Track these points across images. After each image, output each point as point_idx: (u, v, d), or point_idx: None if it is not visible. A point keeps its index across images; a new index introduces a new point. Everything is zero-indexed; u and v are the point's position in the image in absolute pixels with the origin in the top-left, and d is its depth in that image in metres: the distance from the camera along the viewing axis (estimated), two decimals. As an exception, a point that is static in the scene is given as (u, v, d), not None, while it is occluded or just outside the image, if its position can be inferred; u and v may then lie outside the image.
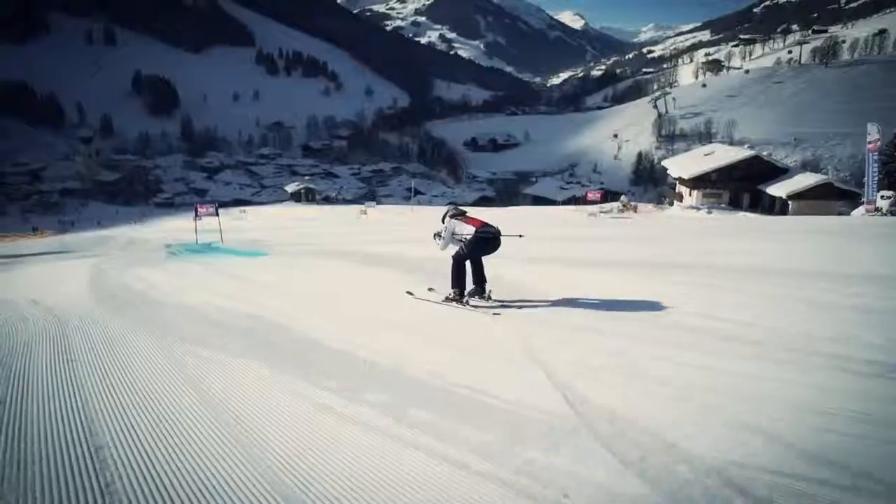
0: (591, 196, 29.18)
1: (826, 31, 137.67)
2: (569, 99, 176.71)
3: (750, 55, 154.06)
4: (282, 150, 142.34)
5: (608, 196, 76.19)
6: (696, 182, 35.47)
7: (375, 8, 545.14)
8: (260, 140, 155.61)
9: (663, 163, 40.73)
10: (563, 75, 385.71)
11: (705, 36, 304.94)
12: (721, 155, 36.90)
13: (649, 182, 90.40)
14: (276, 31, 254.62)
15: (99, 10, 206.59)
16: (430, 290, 5.50)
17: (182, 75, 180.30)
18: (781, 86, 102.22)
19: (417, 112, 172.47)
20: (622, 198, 38.27)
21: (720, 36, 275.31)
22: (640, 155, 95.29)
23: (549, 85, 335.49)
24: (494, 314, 4.53)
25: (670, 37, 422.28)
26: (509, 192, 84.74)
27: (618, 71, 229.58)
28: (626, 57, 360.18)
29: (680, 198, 37.00)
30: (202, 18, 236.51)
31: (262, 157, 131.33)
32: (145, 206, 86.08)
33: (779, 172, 34.94)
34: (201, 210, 17.98)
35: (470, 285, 4.95)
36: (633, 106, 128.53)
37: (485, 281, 4.97)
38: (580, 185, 75.47)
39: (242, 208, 38.71)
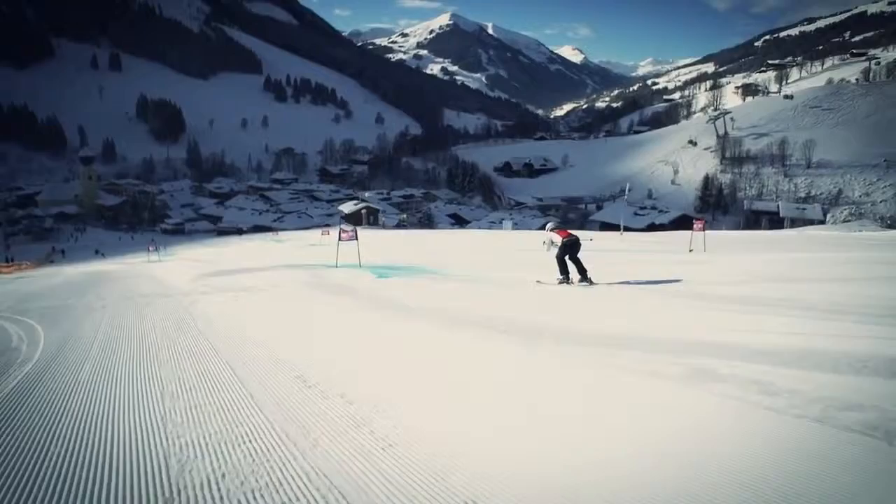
0: (696, 226, 19.11)
1: (865, 54, 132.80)
2: (596, 124, 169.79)
3: (786, 79, 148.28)
4: (297, 176, 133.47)
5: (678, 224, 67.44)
6: None
7: (377, 41, 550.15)
8: (272, 166, 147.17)
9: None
10: (566, 107, 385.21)
11: (709, 68, 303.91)
12: None
13: (717, 209, 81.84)
14: (283, 59, 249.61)
15: (104, 36, 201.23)
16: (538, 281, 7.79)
17: (188, 100, 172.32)
18: (853, 104, 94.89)
19: (434, 139, 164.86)
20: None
21: (725, 68, 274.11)
22: (706, 179, 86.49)
23: (552, 116, 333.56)
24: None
25: (670, 70, 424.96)
26: (567, 219, 75.32)
27: (636, 98, 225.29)
28: (630, 89, 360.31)
29: None
30: (209, 45, 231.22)
31: (275, 181, 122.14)
32: (151, 231, 76.08)
33: None
34: (344, 236, 14.15)
35: (575, 274, 7.30)
36: (676, 130, 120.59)
37: (585, 270, 7.28)
38: (658, 212, 66.60)
39: (325, 229, 29.14)
